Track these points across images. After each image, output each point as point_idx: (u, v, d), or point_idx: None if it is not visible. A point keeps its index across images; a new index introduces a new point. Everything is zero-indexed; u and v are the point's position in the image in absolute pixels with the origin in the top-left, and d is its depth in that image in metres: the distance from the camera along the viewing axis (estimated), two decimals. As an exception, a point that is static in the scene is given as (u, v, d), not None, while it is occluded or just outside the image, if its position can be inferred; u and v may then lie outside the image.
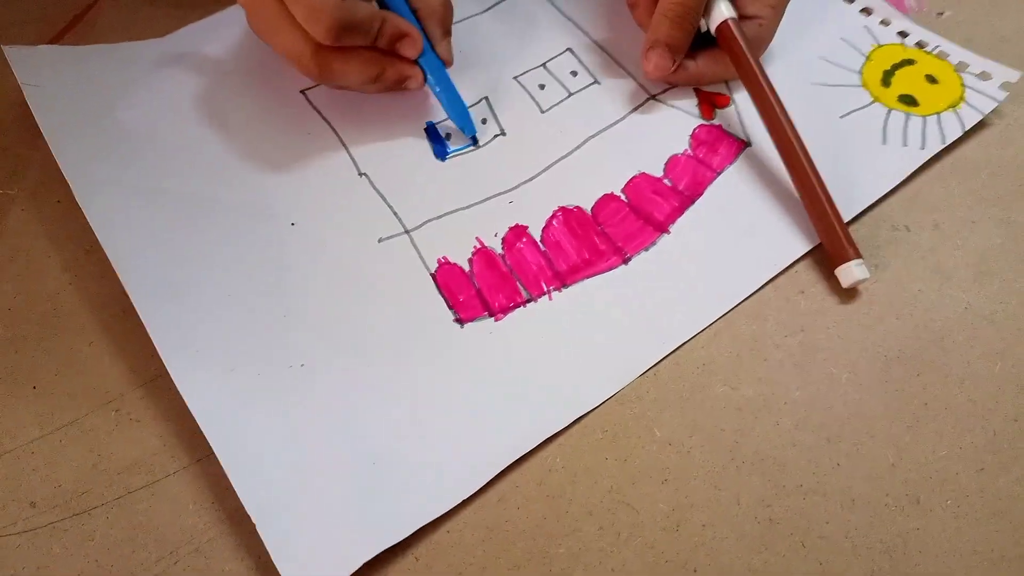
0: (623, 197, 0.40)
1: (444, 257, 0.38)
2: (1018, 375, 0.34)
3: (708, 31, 0.41)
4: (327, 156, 0.41)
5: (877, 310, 0.36)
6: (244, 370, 0.34)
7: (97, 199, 0.38)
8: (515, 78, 0.44)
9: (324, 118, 0.42)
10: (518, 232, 0.38)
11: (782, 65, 0.44)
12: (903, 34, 0.46)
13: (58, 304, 0.37)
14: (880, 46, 0.45)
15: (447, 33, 0.41)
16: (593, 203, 0.39)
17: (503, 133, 0.42)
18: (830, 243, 0.37)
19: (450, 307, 0.36)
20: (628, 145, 0.41)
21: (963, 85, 0.43)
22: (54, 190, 0.40)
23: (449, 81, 0.41)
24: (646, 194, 0.40)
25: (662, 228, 0.39)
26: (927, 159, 0.40)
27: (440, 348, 0.35)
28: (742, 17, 0.41)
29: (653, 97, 0.43)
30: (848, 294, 0.37)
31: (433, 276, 0.37)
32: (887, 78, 0.44)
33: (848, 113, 0.42)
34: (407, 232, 0.39)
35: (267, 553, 0.30)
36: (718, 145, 0.41)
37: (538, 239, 0.38)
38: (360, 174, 0.41)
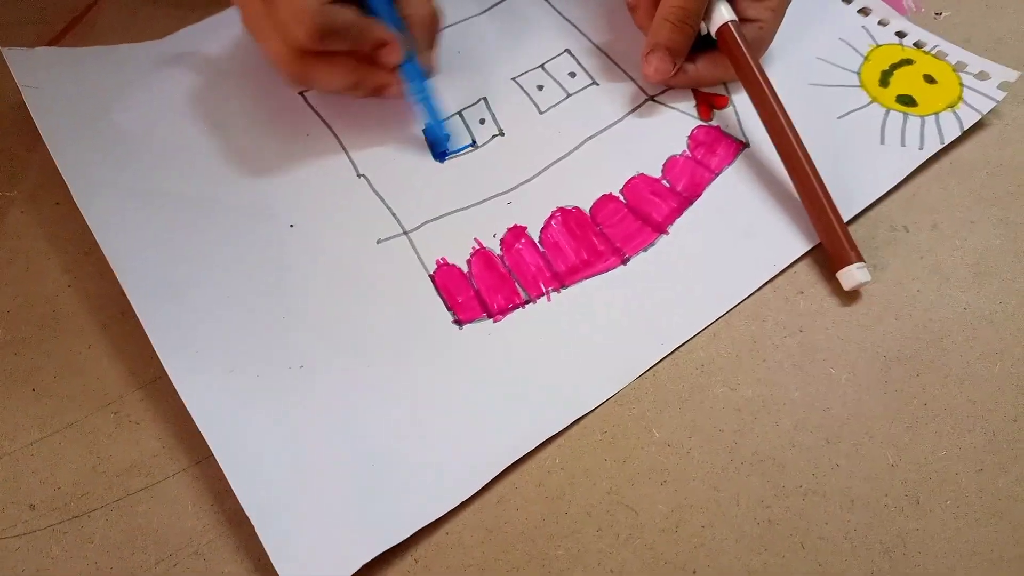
0: (621, 198, 0.40)
1: (443, 258, 0.38)
2: (1017, 375, 0.34)
3: (708, 34, 0.41)
4: (326, 157, 0.41)
5: (876, 310, 0.36)
6: (243, 371, 0.34)
7: (96, 201, 0.38)
8: (513, 79, 0.44)
9: (323, 119, 0.42)
10: (516, 233, 0.39)
11: (780, 66, 0.44)
12: (901, 34, 0.46)
13: (57, 306, 0.37)
14: (878, 46, 0.45)
15: (432, 44, 0.41)
16: (592, 204, 0.39)
17: (501, 134, 0.42)
18: (831, 246, 0.37)
19: (449, 308, 0.36)
20: (626, 146, 0.41)
21: (961, 85, 0.43)
22: (53, 192, 0.40)
23: (428, 92, 0.40)
24: (644, 195, 0.40)
25: (661, 229, 0.39)
26: (925, 159, 0.40)
27: (439, 349, 0.35)
28: (742, 20, 0.41)
29: (651, 98, 0.43)
30: (847, 295, 0.37)
31: (432, 277, 0.37)
32: (885, 78, 0.44)
33: (846, 113, 0.42)
34: (406, 233, 0.39)
35: (266, 555, 0.30)
36: (716, 146, 0.41)
37: (537, 240, 0.38)
38: (359, 175, 0.41)
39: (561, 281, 0.37)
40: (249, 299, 0.36)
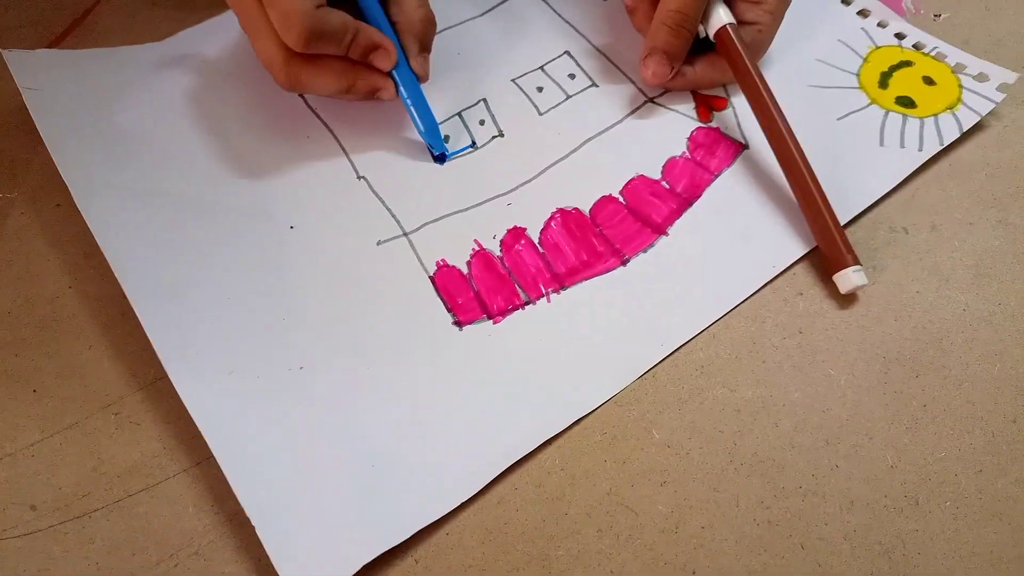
0: (621, 199, 0.40)
1: (443, 259, 0.38)
2: (1017, 376, 0.34)
3: (707, 36, 0.41)
4: (326, 159, 0.41)
5: (876, 312, 0.36)
6: (243, 372, 0.34)
7: (96, 202, 0.38)
8: (513, 80, 0.44)
9: (323, 121, 0.42)
10: (516, 234, 0.39)
11: (779, 67, 0.44)
12: (900, 36, 0.46)
13: (58, 307, 0.37)
14: (877, 48, 0.45)
15: (424, 49, 0.41)
16: (591, 205, 0.39)
17: (501, 135, 0.42)
18: (828, 249, 0.37)
19: (449, 310, 0.36)
20: (626, 147, 0.41)
21: (960, 87, 0.43)
22: (53, 193, 0.40)
23: (421, 96, 0.40)
24: (644, 196, 0.40)
25: (660, 230, 0.39)
26: (925, 161, 0.40)
27: (439, 350, 0.35)
28: (740, 23, 0.41)
29: (650, 100, 0.43)
30: (846, 296, 0.37)
31: (432, 279, 0.37)
32: (884, 80, 0.44)
33: (846, 115, 0.42)
34: (406, 235, 0.39)
35: (267, 555, 0.30)
36: (716, 148, 0.41)
37: (536, 241, 0.38)
38: (359, 177, 0.41)
39: (561, 282, 0.37)
40: (249, 300, 0.36)
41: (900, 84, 0.43)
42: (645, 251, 0.38)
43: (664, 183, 0.40)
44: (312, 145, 0.42)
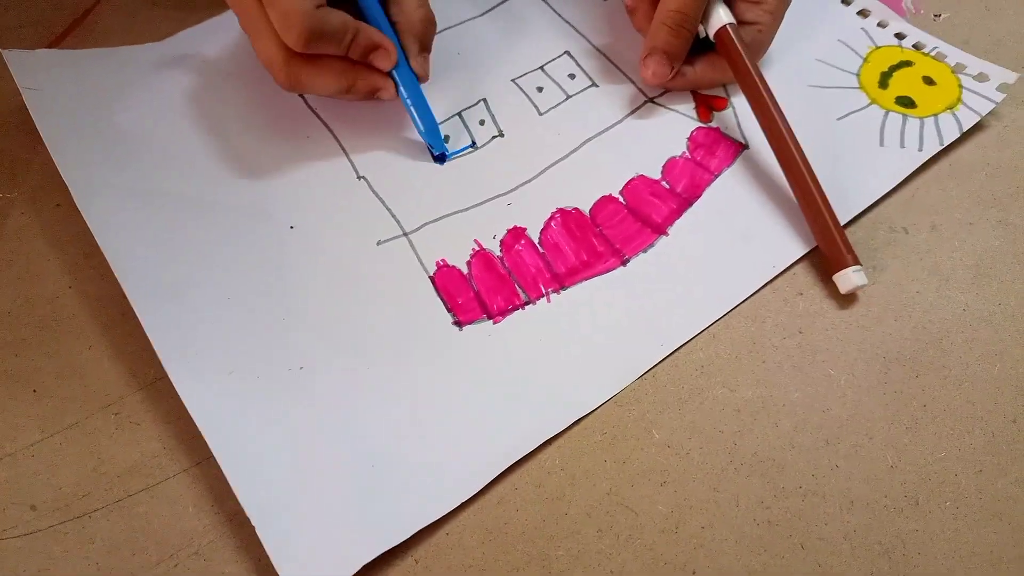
0: (621, 199, 0.40)
1: (443, 259, 0.38)
2: (1017, 376, 0.34)
3: (706, 37, 0.41)
4: (326, 159, 0.41)
5: (876, 312, 0.36)
6: (243, 372, 0.34)
7: (96, 202, 0.38)
8: (513, 80, 0.44)
9: (323, 121, 0.43)
10: (516, 234, 0.39)
11: (779, 67, 0.44)
12: (900, 36, 0.46)
13: (58, 307, 0.37)
14: (877, 48, 0.45)
15: (424, 49, 0.41)
16: (591, 205, 0.39)
17: (501, 135, 0.42)
18: (828, 249, 0.37)
19: (449, 310, 0.36)
20: (626, 147, 0.42)
21: (960, 87, 0.43)
22: (53, 193, 0.40)
23: (421, 96, 0.40)
24: (644, 196, 0.40)
25: (660, 230, 0.39)
26: (925, 161, 0.40)
27: (439, 350, 0.35)
28: (740, 23, 0.41)
29: (650, 100, 0.43)
30: (846, 296, 0.37)
31: (432, 279, 0.37)
32: (884, 80, 0.44)
33: (846, 115, 0.42)
34: (406, 235, 0.39)
35: (267, 555, 0.30)
36: (716, 147, 0.41)
37: (536, 241, 0.38)
38: (359, 177, 0.41)
39: (561, 282, 0.37)
40: (249, 300, 0.36)
41: (900, 84, 0.43)
42: (645, 251, 0.38)
43: (664, 183, 0.40)
44: (312, 145, 0.42)
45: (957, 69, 0.44)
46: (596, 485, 0.32)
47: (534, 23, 0.47)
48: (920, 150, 0.41)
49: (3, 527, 0.31)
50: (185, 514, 0.32)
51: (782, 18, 0.42)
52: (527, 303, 0.37)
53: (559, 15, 0.47)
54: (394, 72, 0.39)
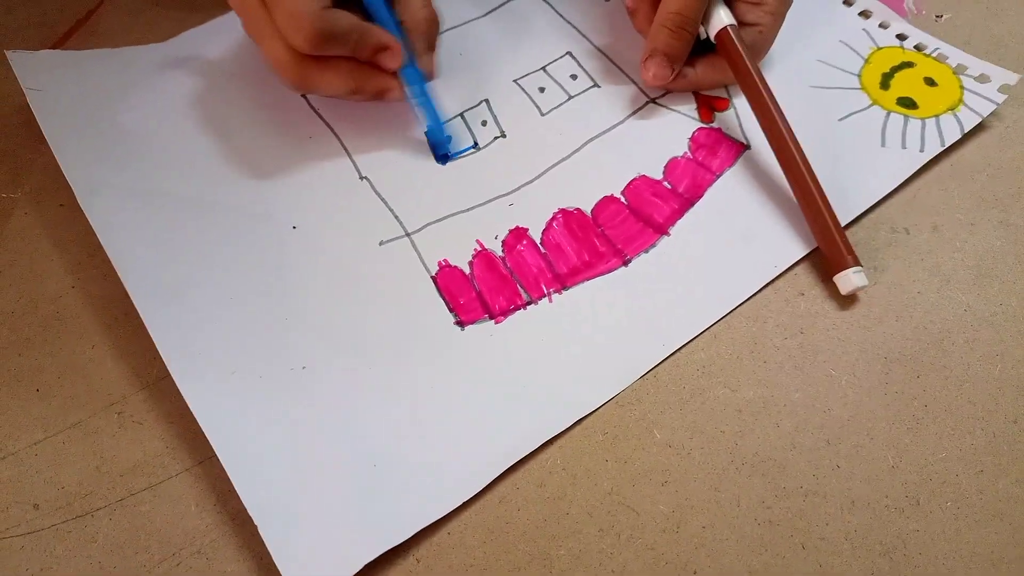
0: (623, 199, 0.40)
1: (445, 260, 0.38)
2: (1018, 377, 0.34)
3: (707, 38, 0.41)
4: (328, 160, 0.41)
5: (877, 312, 0.36)
6: (246, 372, 0.34)
7: (99, 202, 0.38)
8: (515, 81, 0.44)
9: (325, 122, 0.43)
10: (518, 234, 0.39)
11: (781, 68, 0.44)
12: (902, 37, 0.46)
13: (61, 307, 0.37)
14: (879, 49, 0.45)
15: (431, 47, 0.41)
16: (593, 205, 0.40)
17: (503, 135, 0.42)
18: (829, 251, 0.37)
19: (451, 310, 0.36)
20: (627, 148, 0.42)
21: (962, 88, 0.43)
22: (57, 194, 0.40)
23: (428, 95, 0.40)
24: (646, 196, 0.40)
25: (662, 230, 0.39)
26: (926, 161, 0.40)
27: (441, 350, 0.35)
28: (741, 24, 0.41)
29: (652, 101, 0.43)
30: (848, 297, 0.37)
31: (434, 279, 0.37)
32: (886, 81, 0.44)
33: (847, 116, 0.42)
34: (408, 235, 0.39)
35: (269, 555, 0.30)
36: (717, 148, 0.41)
37: (538, 241, 0.38)
38: (361, 177, 0.41)
39: (563, 282, 0.37)
40: (252, 300, 0.36)
41: (901, 85, 0.44)
42: (647, 251, 0.38)
43: (666, 183, 0.40)
44: (314, 145, 0.42)
45: (959, 70, 0.44)
46: (597, 485, 0.32)
47: (536, 24, 0.47)
48: (921, 151, 0.41)
49: (6, 526, 0.32)
50: (187, 513, 0.32)
51: (783, 19, 0.42)
52: (529, 303, 0.37)
53: (561, 16, 0.47)
54: (401, 72, 0.39)
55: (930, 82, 0.44)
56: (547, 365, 0.35)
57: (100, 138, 0.41)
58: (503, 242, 0.38)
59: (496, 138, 0.42)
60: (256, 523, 0.30)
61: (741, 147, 0.41)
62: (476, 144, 0.42)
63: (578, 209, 0.39)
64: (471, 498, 0.32)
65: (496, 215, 0.39)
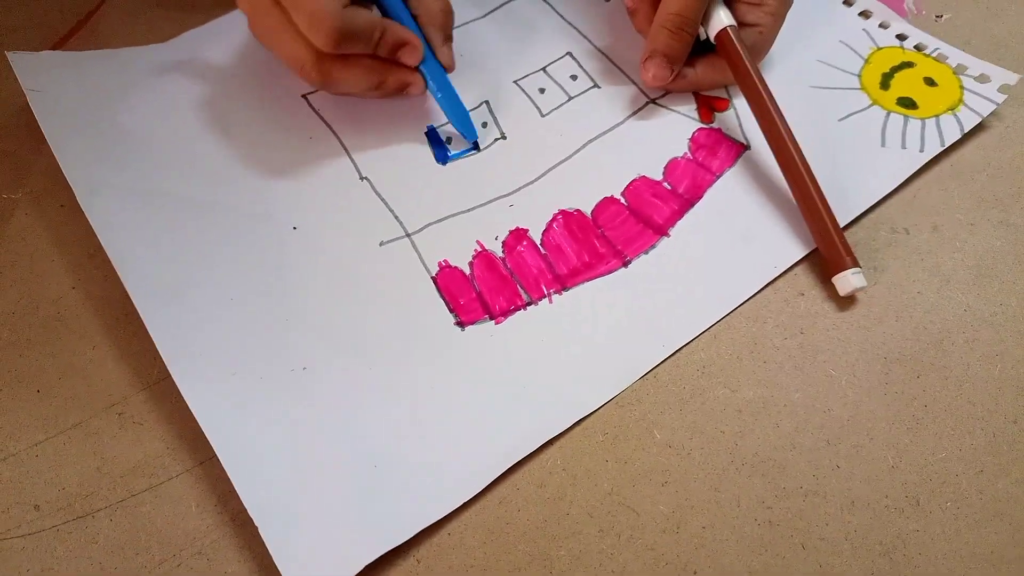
0: (623, 200, 0.40)
1: (445, 260, 0.38)
2: (1017, 377, 0.35)
3: (707, 38, 0.41)
4: (328, 160, 0.41)
5: (877, 312, 0.36)
6: (246, 373, 0.34)
7: (100, 203, 0.38)
8: (515, 82, 0.44)
9: (326, 122, 0.43)
10: (518, 235, 0.39)
11: (781, 68, 0.44)
12: (902, 37, 0.46)
13: (62, 308, 0.37)
14: (879, 49, 0.45)
15: (448, 39, 0.41)
16: (593, 206, 0.40)
17: (503, 137, 0.42)
18: (827, 252, 0.37)
19: (451, 310, 0.36)
20: (628, 149, 0.42)
21: (962, 88, 0.43)
22: (57, 194, 0.40)
23: (451, 87, 0.41)
24: (646, 197, 0.40)
25: (662, 231, 0.39)
26: (926, 162, 0.40)
27: (441, 351, 0.35)
28: (741, 25, 0.41)
29: (652, 101, 0.43)
30: (847, 297, 0.37)
31: (434, 279, 0.37)
32: (886, 81, 0.44)
33: (847, 116, 0.42)
34: (408, 235, 0.39)
35: (269, 555, 0.30)
36: (717, 148, 0.41)
37: (538, 242, 0.38)
38: (361, 178, 0.41)
39: (563, 283, 0.37)
40: (252, 301, 0.36)
41: (901, 85, 0.44)
42: (647, 252, 0.38)
43: (666, 184, 0.40)
44: (315, 146, 0.42)
45: (958, 70, 0.44)
46: (597, 485, 0.32)
47: (536, 24, 0.47)
48: (921, 151, 0.41)
49: (7, 527, 0.32)
50: (188, 514, 0.32)
51: (783, 20, 0.42)
52: (529, 304, 0.37)
53: (561, 16, 0.47)
54: (421, 66, 0.40)
55: (930, 82, 0.44)
56: (547, 366, 0.35)
57: (100, 139, 0.41)
58: (503, 243, 0.38)
59: (496, 139, 0.42)
60: (257, 524, 0.30)
61: (741, 148, 0.41)
62: (476, 145, 0.42)
63: (578, 210, 0.39)
64: (471, 498, 0.32)
65: (496, 216, 0.39)
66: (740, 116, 0.43)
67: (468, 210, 0.40)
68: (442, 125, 0.42)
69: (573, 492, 0.32)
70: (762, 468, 0.33)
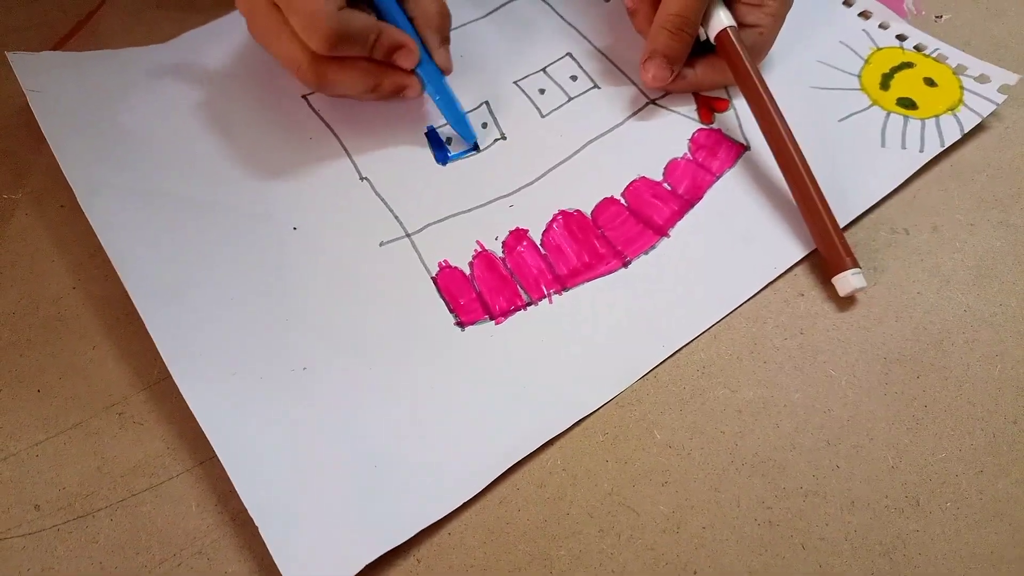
0: (623, 201, 0.40)
1: (445, 260, 0.38)
2: (1017, 377, 0.35)
3: (707, 39, 0.41)
4: (329, 161, 0.41)
5: (876, 312, 0.36)
6: (246, 373, 0.34)
7: (100, 203, 0.38)
8: (515, 83, 0.45)
9: (326, 123, 0.43)
10: (518, 235, 0.39)
11: (781, 68, 0.44)
12: (902, 37, 0.46)
13: (62, 308, 0.37)
14: (879, 49, 0.45)
15: (445, 41, 0.41)
16: (593, 207, 0.40)
17: (503, 137, 0.42)
18: (827, 253, 0.37)
19: (451, 310, 0.36)
20: (628, 149, 0.42)
21: (962, 88, 0.43)
22: (58, 194, 0.40)
23: (448, 89, 0.41)
24: (646, 198, 0.40)
25: (662, 232, 0.39)
26: (926, 162, 0.40)
27: (441, 351, 0.35)
28: (741, 25, 0.41)
29: (652, 102, 0.43)
30: (847, 298, 0.37)
31: (434, 279, 0.37)
32: (886, 81, 0.44)
33: (847, 116, 0.42)
34: (408, 236, 0.39)
35: (270, 555, 0.30)
36: (717, 149, 0.41)
37: (538, 242, 0.38)
38: (361, 178, 0.41)
39: (563, 283, 0.37)
40: (252, 301, 0.36)
41: (901, 85, 0.44)
42: (647, 252, 0.38)
43: (666, 185, 0.40)
44: (315, 146, 0.42)
45: (958, 70, 0.44)
46: (598, 485, 0.32)
47: (536, 25, 0.47)
48: (921, 151, 0.41)
49: (7, 526, 0.32)
50: (188, 513, 0.32)
51: (783, 21, 0.42)
52: (529, 304, 0.37)
53: (561, 17, 0.47)
54: (417, 69, 0.39)
55: (930, 82, 0.44)
56: (547, 366, 0.35)
57: (101, 139, 0.41)
58: (503, 243, 0.38)
59: (496, 140, 0.42)
60: (257, 523, 0.30)
61: (741, 148, 0.41)
62: (476, 146, 0.42)
63: (578, 210, 0.39)
64: (471, 498, 0.32)
65: (496, 216, 0.39)
66: (740, 117, 0.43)
67: (468, 210, 0.40)
68: (442, 126, 0.42)
69: (573, 492, 0.32)
70: (762, 468, 0.33)
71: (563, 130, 0.42)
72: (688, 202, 0.40)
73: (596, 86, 0.44)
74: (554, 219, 0.39)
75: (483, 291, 0.37)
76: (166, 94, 0.43)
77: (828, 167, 0.39)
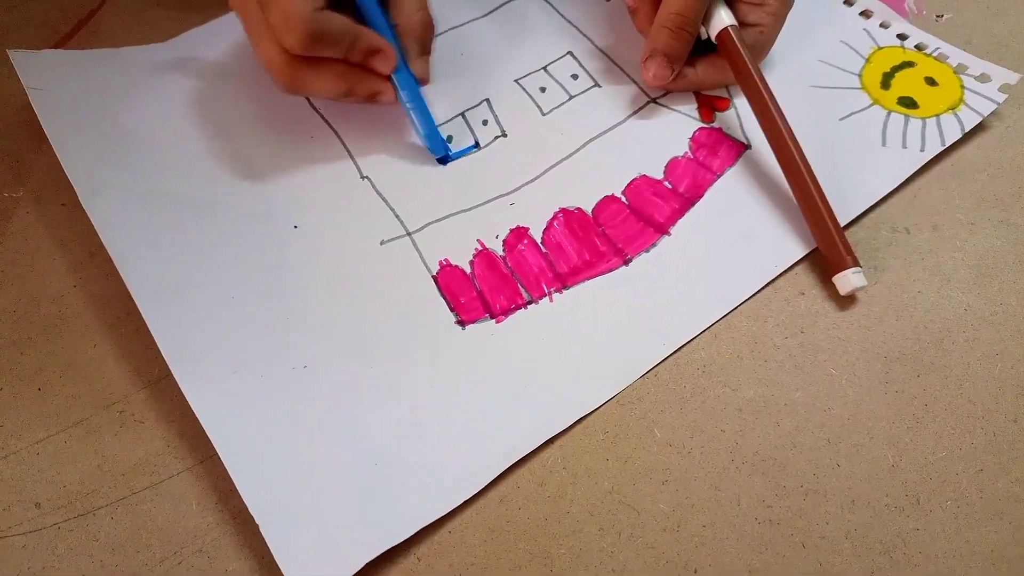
0: (624, 199, 0.40)
1: (445, 259, 0.38)
2: (1018, 376, 0.35)
3: (708, 38, 0.41)
4: (329, 160, 0.41)
5: (877, 311, 0.36)
6: (247, 372, 0.34)
7: (101, 202, 0.38)
8: (516, 81, 0.45)
9: (327, 121, 0.43)
10: (519, 234, 0.39)
11: (781, 67, 0.44)
12: (902, 37, 0.46)
13: (63, 306, 0.37)
14: (880, 48, 0.45)
15: (425, 51, 0.41)
16: (594, 205, 0.40)
17: (504, 135, 0.42)
18: (828, 251, 0.37)
19: (451, 309, 0.36)
20: (628, 147, 0.42)
21: (962, 87, 0.43)
22: (59, 193, 0.40)
23: (421, 99, 0.40)
24: (646, 196, 0.40)
25: (662, 230, 0.39)
26: (926, 161, 0.40)
27: (441, 349, 0.35)
28: (742, 24, 0.41)
29: (653, 100, 0.43)
30: (848, 297, 0.37)
31: (435, 278, 0.37)
32: (887, 80, 0.44)
33: (848, 115, 0.42)
34: (409, 234, 0.39)
35: (270, 553, 0.30)
36: (718, 148, 0.41)
37: (539, 241, 0.38)
38: (362, 177, 0.41)
39: (563, 282, 0.37)
40: (253, 300, 0.36)
41: (902, 85, 0.44)
42: (647, 251, 0.38)
43: (666, 183, 0.40)
44: (316, 145, 0.42)
45: (959, 70, 0.44)
46: (598, 484, 0.32)
47: (537, 24, 0.47)
48: (922, 150, 0.41)
49: (8, 524, 0.32)
50: (189, 512, 0.32)
51: (784, 20, 0.42)
52: (530, 302, 0.37)
53: (562, 16, 0.47)
54: (394, 76, 0.39)
55: (931, 82, 0.44)
56: (548, 364, 0.35)
57: (102, 138, 0.41)
58: (504, 241, 0.38)
59: (497, 138, 0.42)
60: (257, 522, 0.30)
61: (742, 147, 0.41)
62: (477, 144, 0.42)
63: (579, 209, 0.39)
64: (472, 497, 0.32)
65: (497, 215, 0.39)
66: (741, 115, 0.43)
67: (469, 209, 0.40)
68: (442, 124, 0.42)
69: (574, 490, 0.32)
70: (762, 467, 0.33)
71: (564, 128, 0.42)
72: (689, 200, 0.40)
73: (597, 85, 0.44)
74: (555, 217, 0.39)
75: (484, 290, 0.37)
76: (167, 93, 0.43)
77: (829, 166, 0.39)
